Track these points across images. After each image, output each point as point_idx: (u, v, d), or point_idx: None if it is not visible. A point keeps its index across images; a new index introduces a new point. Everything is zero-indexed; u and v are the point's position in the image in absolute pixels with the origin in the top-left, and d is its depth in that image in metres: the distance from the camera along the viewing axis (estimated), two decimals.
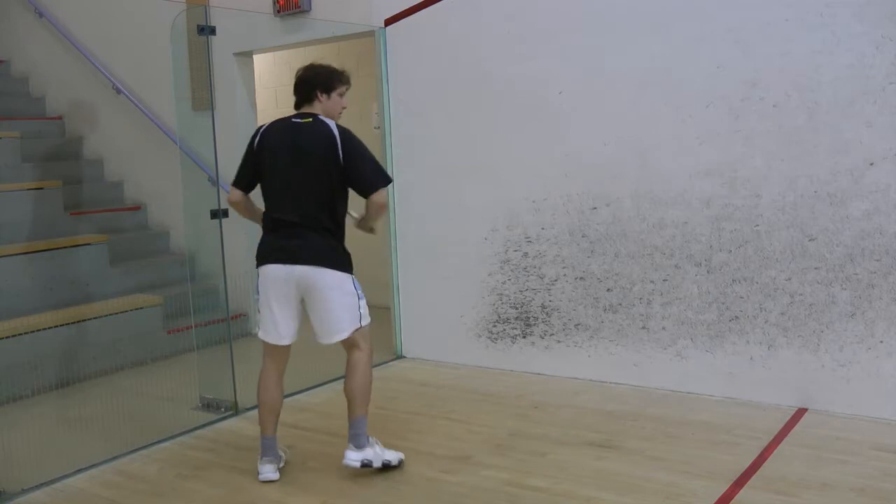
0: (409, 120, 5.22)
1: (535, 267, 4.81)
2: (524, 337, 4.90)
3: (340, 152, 3.39)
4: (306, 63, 3.60)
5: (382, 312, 5.71)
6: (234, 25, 5.64)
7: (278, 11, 5.63)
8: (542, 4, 4.65)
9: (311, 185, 3.40)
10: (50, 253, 5.51)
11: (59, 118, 7.29)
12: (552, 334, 4.80)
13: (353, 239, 3.60)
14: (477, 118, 4.93)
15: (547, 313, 4.80)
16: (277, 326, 3.47)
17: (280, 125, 3.51)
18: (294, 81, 3.55)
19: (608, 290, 4.58)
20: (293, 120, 3.49)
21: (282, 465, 3.59)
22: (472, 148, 4.97)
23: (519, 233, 4.84)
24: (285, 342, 3.52)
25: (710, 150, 4.20)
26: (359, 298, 3.49)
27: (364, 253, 6.29)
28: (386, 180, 3.51)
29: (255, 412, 4.40)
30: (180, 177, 5.89)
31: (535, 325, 4.85)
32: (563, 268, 4.71)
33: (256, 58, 6.45)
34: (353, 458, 3.43)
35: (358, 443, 3.46)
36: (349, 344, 3.51)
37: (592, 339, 4.66)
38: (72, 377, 5.03)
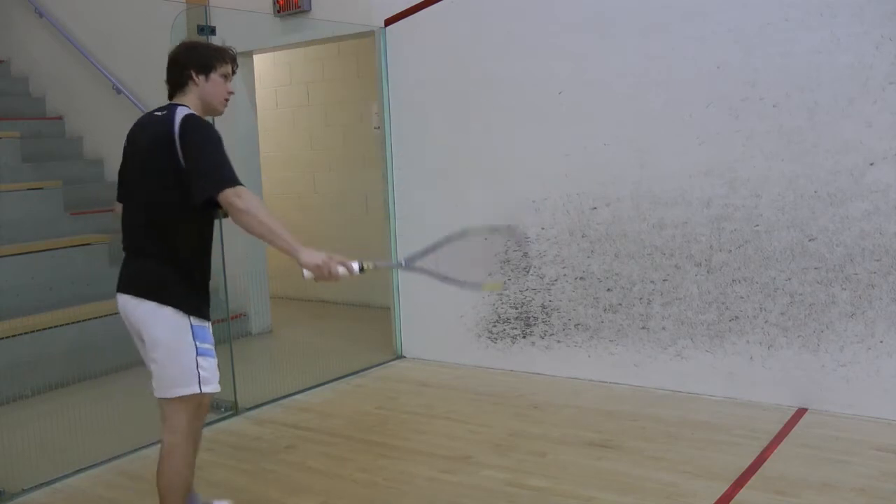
0: (409, 120, 5.22)
1: (535, 267, 4.81)
2: (524, 337, 4.90)
3: (179, 150, 2.53)
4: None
5: (382, 312, 5.72)
6: (234, 25, 5.63)
7: (278, 11, 5.63)
8: (541, 4, 4.64)
9: (142, 198, 2.64)
10: (50, 253, 5.51)
11: (59, 118, 7.29)
12: (552, 334, 4.79)
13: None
14: (477, 118, 4.93)
15: (547, 313, 4.80)
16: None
17: (142, 120, 2.78)
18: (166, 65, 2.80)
19: (608, 290, 4.58)
20: (154, 113, 2.71)
21: None
22: (472, 148, 4.97)
23: (519, 233, 4.84)
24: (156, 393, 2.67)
25: (710, 150, 4.19)
26: (198, 353, 2.58)
27: (364, 252, 6.35)
28: (224, 182, 2.47)
29: (255, 412, 4.42)
30: None
31: (535, 325, 4.85)
32: (563, 268, 4.71)
33: (256, 58, 6.44)
34: None
35: None
36: (168, 412, 2.63)
37: (592, 339, 4.66)
38: (72, 377, 5.02)
